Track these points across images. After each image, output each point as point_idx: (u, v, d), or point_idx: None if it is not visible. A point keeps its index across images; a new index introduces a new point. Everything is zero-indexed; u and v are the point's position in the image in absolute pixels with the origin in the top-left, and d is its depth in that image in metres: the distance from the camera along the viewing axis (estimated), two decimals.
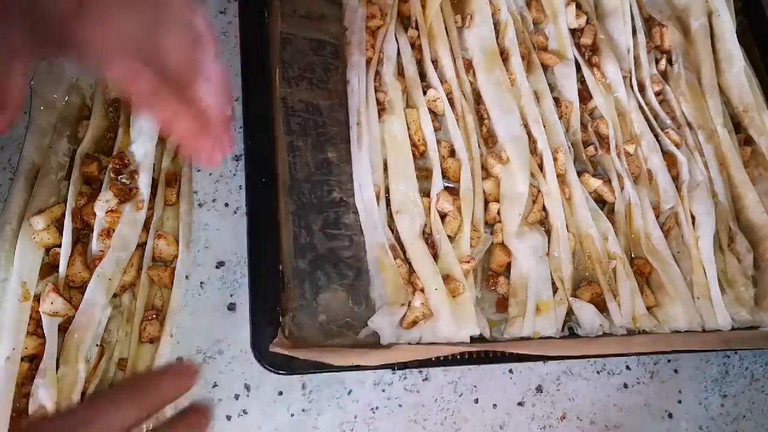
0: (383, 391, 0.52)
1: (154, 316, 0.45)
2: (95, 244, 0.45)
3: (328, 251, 0.51)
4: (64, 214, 0.46)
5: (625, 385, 0.56)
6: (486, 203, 0.55)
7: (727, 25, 0.64)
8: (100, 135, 0.49)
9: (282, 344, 0.47)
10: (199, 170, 0.56)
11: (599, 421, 0.55)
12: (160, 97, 0.40)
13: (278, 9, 0.57)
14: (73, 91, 0.51)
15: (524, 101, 0.58)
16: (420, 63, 0.59)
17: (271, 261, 0.49)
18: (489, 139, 0.58)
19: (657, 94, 0.62)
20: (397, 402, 0.52)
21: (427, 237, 0.53)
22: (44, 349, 0.41)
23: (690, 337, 0.53)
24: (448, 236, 0.52)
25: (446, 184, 0.55)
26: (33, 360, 0.41)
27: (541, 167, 0.56)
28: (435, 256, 0.52)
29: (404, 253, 0.52)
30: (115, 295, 0.45)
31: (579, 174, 0.57)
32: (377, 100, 0.56)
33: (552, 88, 0.60)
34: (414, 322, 0.50)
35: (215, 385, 0.50)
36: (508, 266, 0.54)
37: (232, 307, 0.52)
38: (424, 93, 0.57)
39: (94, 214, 0.46)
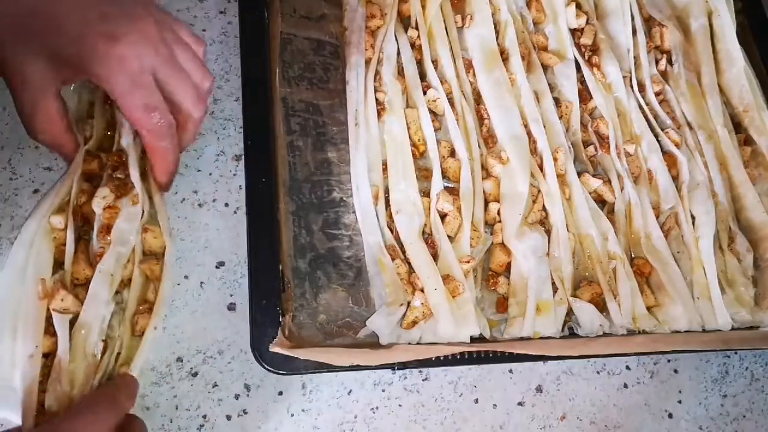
0: (383, 391, 0.52)
1: (147, 309, 0.45)
2: (96, 242, 0.45)
3: (328, 251, 0.51)
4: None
5: (625, 385, 0.56)
6: (486, 203, 0.55)
7: (727, 25, 0.64)
8: (102, 133, 0.49)
9: (282, 344, 0.47)
10: (199, 170, 0.56)
11: (599, 421, 0.55)
12: (169, 134, 0.44)
13: (278, 9, 0.57)
14: (83, 89, 0.51)
15: (524, 101, 0.58)
16: (420, 63, 0.59)
17: (271, 261, 0.49)
18: (489, 139, 0.58)
19: (657, 94, 0.62)
20: (397, 402, 0.52)
21: (427, 237, 0.53)
22: (55, 346, 0.41)
23: (690, 337, 0.53)
24: (448, 236, 0.52)
25: (446, 184, 0.55)
26: (47, 357, 0.42)
27: (541, 167, 0.56)
28: (435, 256, 0.52)
29: (404, 253, 0.52)
30: (117, 292, 0.45)
31: (579, 174, 0.57)
32: (377, 99, 0.56)
33: (552, 88, 0.60)
34: (414, 322, 0.50)
35: (215, 385, 0.50)
36: (508, 266, 0.54)
37: (232, 307, 0.52)
38: (424, 93, 0.57)
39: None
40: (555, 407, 0.54)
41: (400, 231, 0.52)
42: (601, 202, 0.57)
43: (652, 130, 0.60)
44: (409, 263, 0.52)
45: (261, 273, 0.49)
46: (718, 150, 0.61)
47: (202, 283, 0.53)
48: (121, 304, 0.45)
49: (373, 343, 0.49)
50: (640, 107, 0.61)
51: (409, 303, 0.50)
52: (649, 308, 0.54)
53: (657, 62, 0.64)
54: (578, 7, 0.62)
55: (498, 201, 0.55)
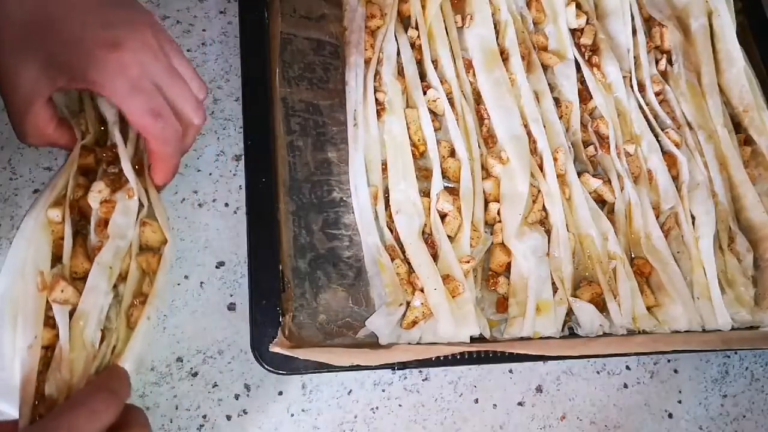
0: (383, 391, 0.52)
1: (143, 302, 0.45)
2: (93, 236, 0.46)
3: (328, 251, 0.51)
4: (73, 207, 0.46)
5: (625, 385, 0.56)
6: (486, 203, 0.55)
7: (727, 25, 0.64)
8: (97, 127, 0.49)
9: (282, 344, 0.47)
10: (199, 170, 0.56)
11: (599, 421, 0.55)
12: (174, 139, 0.44)
13: (278, 9, 0.57)
14: None
15: (524, 101, 0.58)
16: (420, 63, 0.59)
17: (271, 261, 0.49)
18: (489, 139, 0.58)
19: (657, 94, 0.62)
20: (397, 402, 0.52)
21: (427, 237, 0.53)
22: (54, 338, 0.42)
23: (690, 337, 0.53)
24: (448, 236, 0.52)
25: (446, 184, 0.55)
26: (47, 349, 0.42)
27: (541, 167, 0.56)
28: (435, 256, 0.52)
29: (404, 253, 0.52)
30: (114, 285, 0.45)
31: (579, 174, 0.57)
32: (377, 99, 0.56)
33: (552, 88, 0.60)
34: (414, 322, 0.50)
35: (215, 385, 0.50)
36: (508, 266, 0.54)
37: (232, 307, 0.52)
38: (424, 93, 0.57)
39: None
40: (555, 407, 0.54)
41: (399, 231, 0.52)
42: (601, 202, 0.57)
43: (652, 130, 0.60)
44: (409, 263, 0.52)
45: (261, 273, 0.49)
46: (718, 150, 0.61)
47: (202, 283, 0.53)
48: (118, 297, 0.45)
49: (373, 343, 0.49)
50: (640, 107, 0.61)
51: (408, 303, 0.50)
52: (649, 308, 0.54)
53: (657, 62, 0.64)
54: (578, 7, 0.62)
55: (498, 201, 0.55)
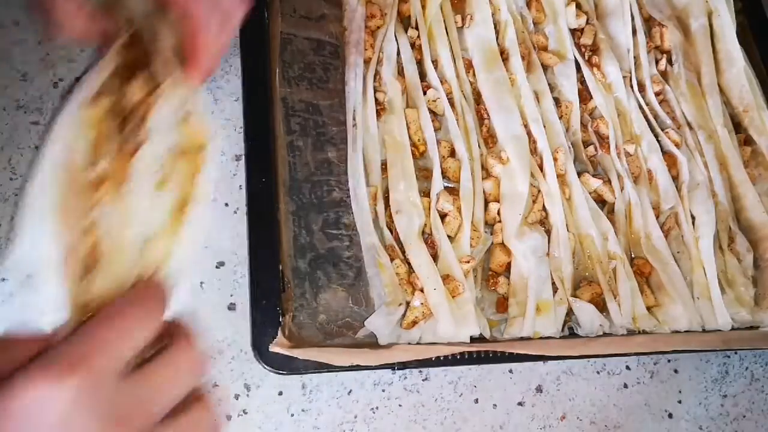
0: (383, 391, 0.52)
1: (183, 207, 0.42)
2: (132, 134, 0.44)
3: (328, 251, 0.51)
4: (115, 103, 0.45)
5: (625, 385, 0.56)
6: (486, 203, 0.55)
7: (727, 25, 0.64)
8: (133, 21, 0.47)
9: (282, 344, 0.47)
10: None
11: (599, 421, 0.55)
12: (219, 22, 0.41)
13: (278, 9, 0.57)
14: None
15: (524, 101, 0.58)
16: (420, 63, 0.59)
17: (271, 261, 0.49)
18: (489, 139, 0.58)
19: (657, 94, 0.62)
20: (397, 402, 0.52)
21: (427, 237, 0.53)
22: (93, 243, 0.39)
23: (690, 337, 0.53)
24: (448, 236, 0.52)
25: (446, 184, 0.55)
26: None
27: (541, 167, 0.56)
28: (435, 257, 0.52)
29: (404, 253, 0.52)
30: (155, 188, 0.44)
31: (579, 174, 0.57)
32: (377, 100, 0.56)
33: (552, 88, 0.60)
34: (414, 322, 0.50)
35: (215, 385, 0.50)
36: (508, 266, 0.54)
37: (232, 307, 0.52)
38: (424, 93, 0.57)
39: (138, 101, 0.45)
40: (555, 407, 0.54)
41: (399, 231, 0.52)
42: (601, 202, 0.57)
43: (652, 130, 0.60)
44: (409, 263, 0.52)
45: (261, 273, 0.49)
46: (718, 150, 0.61)
47: (202, 283, 0.53)
48: (159, 202, 0.44)
49: (373, 343, 0.49)
50: (640, 107, 0.61)
51: (408, 303, 0.50)
52: (649, 308, 0.54)
53: (657, 62, 0.64)
54: (578, 7, 0.62)
55: (498, 201, 0.55)
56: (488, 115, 0.58)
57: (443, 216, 0.53)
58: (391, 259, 0.51)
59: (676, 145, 0.60)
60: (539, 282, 0.52)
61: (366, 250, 0.52)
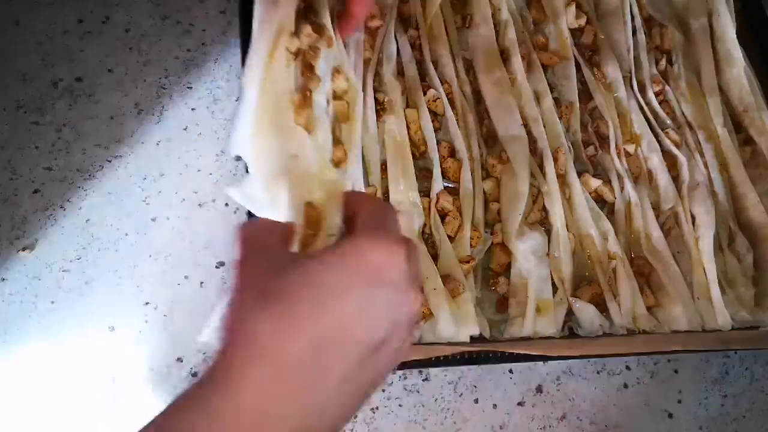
0: (383, 391, 0.52)
1: (339, 143, 0.48)
2: (300, 76, 0.47)
3: None
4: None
5: (625, 385, 0.56)
6: (486, 203, 0.55)
7: (727, 25, 0.64)
8: None
9: None
10: (199, 170, 0.56)
11: (599, 421, 0.55)
12: None
13: None
14: None
15: (524, 101, 0.58)
16: (420, 63, 0.58)
17: None
18: (489, 139, 0.58)
19: (657, 94, 0.62)
20: (397, 402, 0.52)
21: (427, 237, 0.53)
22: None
23: (690, 337, 0.53)
24: (448, 236, 0.52)
25: (446, 184, 0.55)
26: None
27: (541, 167, 0.56)
28: (435, 257, 0.52)
29: None
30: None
31: (579, 174, 0.57)
32: (377, 100, 0.56)
33: (552, 88, 0.60)
34: None
35: None
36: (508, 266, 0.54)
37: None
38: (424, 93, 0.57)
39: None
40: (555, 407, 0.54)
41: None
42: (601, 202, 0.57)
43: (652, 130, 0.60)
44: None
45: None
46: (718, 150, 0.61)
47: (202, 283, 0.53)
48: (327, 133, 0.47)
49: None
50: (640, 107, 0.61)
51: None
52: (649, 308, 0.54)
53: (657, 62, 0.64)
54: (578, 7, 0.62)
55: (498, 201, 0.55)
56: (488, 115, 0.58)
57: (443, 216, 0.53)
58: None
59: (676, 145, 0.60)
60: (539, 282, 0.52)
61: None
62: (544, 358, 0.50)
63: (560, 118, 0.58)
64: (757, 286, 0.57)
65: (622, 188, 0.57)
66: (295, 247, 0.39)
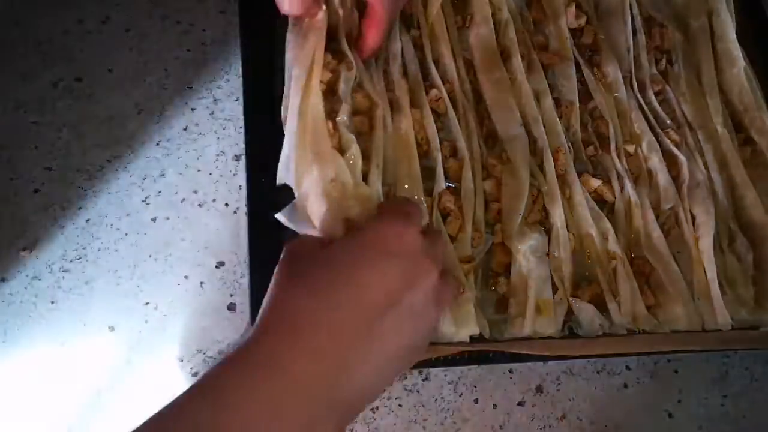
0: (383, 390, 0.52)
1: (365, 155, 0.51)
2: (324, 101, 0.50)
3: None
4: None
5: (625, 385, 0.56)
6: (486, 203, 0.55)
7: (727, 25, 0.64)
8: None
9: None
10: (199, 170, 0.56)
11: (599, 421, 0.55)
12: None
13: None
14: None
15: (524, 101, 0.58)
16: (421, 63, 0.58)
17: (271, 261, 0.49)
18: (489, 139, 0.58)
19: (657, 94, 0.62)
20: (397, 402, 0.52)
21: None
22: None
23: (690, 337, 0.53)
24: (450, 236, 0.52)
25: (447, 184, 0.55)
26: None
27: (541, 167, 0.56)
28: None
29: None
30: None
31: (579, 174, 0.57)
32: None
33: (552, 88, 0.60)
34: None
35: None
36: (508, 266, 0.54)
37: (232, 307, 0.52)
38: (426, 93, 0.57)
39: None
40: (555, 407, 0.54)
41: None
42: (601, 202, 0.57)
43: (652, 130, 0.60)
44: None
45: (261, 273, 0.48)
46: (718, 150, 0.61)
47: (202, 283, 0.53)
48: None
49: None
50: (640, 107, 0.61)
51: None
52: (649, 308, 0.54)
53: (657, 62, 0.64)
54: (578, 7, 0.62)
55: (498, 201, 0.55)
56: (488, 114, 0.58)
57: (445, 216, 0.53)
58: None
59: (676, 145, 0.60)
60: (539, 282, 0.52)
61: None
62: (544, 358, 0.50)
63: (560, 118, 0.58)
64: (757, 286, 0.57)
65: (622, 188, 0.57)
66: None
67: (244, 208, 0.53)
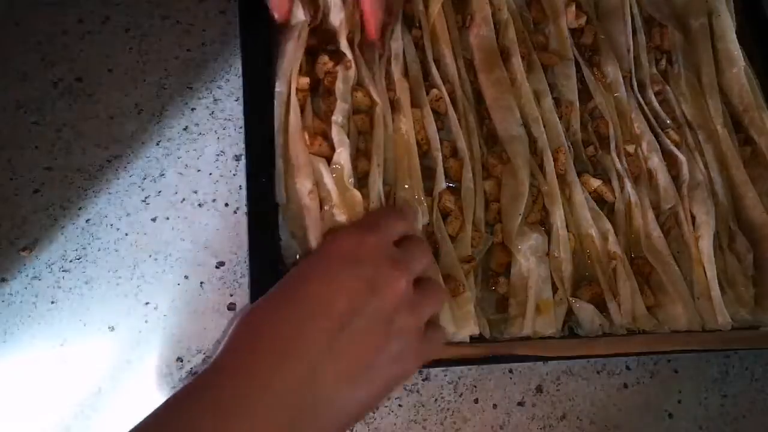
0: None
1: (365, 154, 0.53)
2: (321, 102, 0.53)
3: None
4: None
5: (625, 385, 0.56)
6: (486, 203, 0.55)
7: (727, 25, 0.64)
8: (315, 11, 0.55)
9: None
10: (199, 170, 0.56)
11: (599, 421, 0.55)
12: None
13: None
14: None
15: (524, 101, 0.58)
16: (422, 62, 0.58)
17: (271, 261, 0.49)
18: (489, 139, 0.58)
19: (657, 94, 0.62)
20: (397, 402, 0.52)
21: (428, 236, 0.53)
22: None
23: (690, 337, 0.53)
24: (450, 236, 0.52)
25: (447, 184, 0.55)
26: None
27: (541, 167, 0.56)
28: (435, 256, 0.52)
29: None
30: None
31: (579, 174, 0.57)
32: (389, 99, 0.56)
33: (552, 88, 0.60)
34: None
35: None
36: (508, 266, 0.54)
37: (232, 307, 0.52)
38: (427, 93, 0.57)
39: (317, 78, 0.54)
40: (555, 407, 0.54)
41: None
42: (601, 202, 0.57)
43: (652, 130, 0.60)
44: None
45: (261, 273, 0.49)
46: (718, 150, 0.61)
47: (202, 283, 0.53)
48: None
49: None
50: (640, 107, 0.61)
51: None
52: (649, 308, 0.54)
53: (657, 62, 0.64)
54: (578, 7, 0.62)
55: (498, 201, 0.55)
56: (489, 114, 0.58)
57: (445, 215, 0.53)
58: None
59: (676, 145, 0.60)
60: (539, 282, 0.52)
61: None
62: (544, 358, 0.50)
63: (560, 118, 0.58)
64: (757, 286, 0.57)
65: (622, 188, 0.57)
66: None
67: (244, 208, 0.53)
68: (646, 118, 0.60)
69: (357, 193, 0.48)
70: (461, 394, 0.53)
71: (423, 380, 0.53)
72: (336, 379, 0.37)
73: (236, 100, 0.58)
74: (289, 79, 0.52)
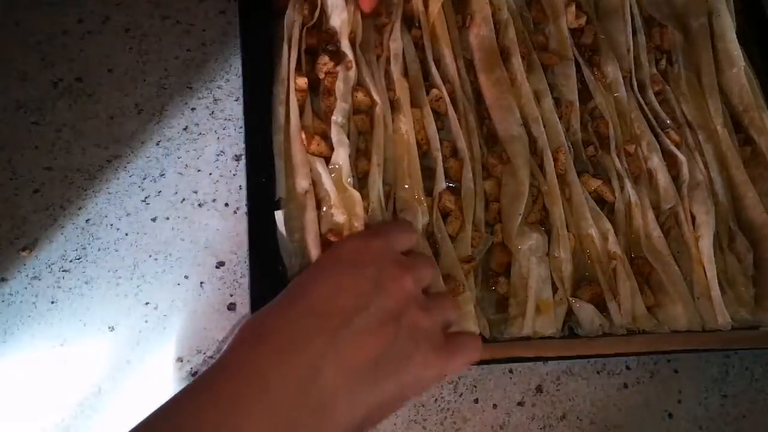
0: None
1: (364, 154, 0.53)
2: (321, 102, 0.53)
3: None
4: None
5: (625, 385, 0.56)
6: (486, 203, 0.55)
7: (727, 25, 0.64)
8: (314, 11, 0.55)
9: None
10: (199, 170, 0.56)
11: (599, 421, 0.55)
12: None
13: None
14: None
15: (524, 101, 0.58)
16: (422, 62, 0.58)
17: (271, 261, 0.49)
18: (489, 139, 0.58)
19: (657, 94, 0.62)
20: None
21: (428, 236, 0.53)
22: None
23: (690, 337, 0.53)
24: (450, 236, 0.52)
25: (447, 184, 0.55)
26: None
27: (541, 167, 0.56)
28: (435, 256, 0.52)
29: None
30: None
31: (579, 174, 0.57)
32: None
33: (552, 88, 0.60)
34: None
35: None
36: (508, 266, 0.54)
37: (232, 307, 0.52)
38: (427, 93, 0.57)
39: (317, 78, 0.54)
40: (555, 407, 0.54)
41: None
42: (601, 202, 0.57)
43: (652, 130, 0.60)
44: None
45: (261, 273, 0.49)
46: (718, 150, 0.61)
47: (202, 283, 0.53)
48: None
49: None
50: (640, 107, 0.61)
51: None
52: (649, 308, 0.54)
53: (657, 62, 0.64)
54: (578, 7, 0.62)
55: (498, 201, 0.55)
56: (489, 114, 0.58)
57: (445, 215, 0.53)
58: None
59: (676, 145, 0.60)
60: (539, 282, 0.52)
61: None
62: (544, 358, 0.50)
63: (560, 118, 0.58)
64: (757, 286, 0.57)
65: (622, 188, 0.57)
66: None
67: (244, 208, 0.53)
68: (646, 118, 0.60)
69: (356, 194, 0.48)
70: (461, 394, 0.53)
71: None
72: (338, 375, 0.37)
73: (236, 100, 0.58)
74: (287, 79, 0.52)
